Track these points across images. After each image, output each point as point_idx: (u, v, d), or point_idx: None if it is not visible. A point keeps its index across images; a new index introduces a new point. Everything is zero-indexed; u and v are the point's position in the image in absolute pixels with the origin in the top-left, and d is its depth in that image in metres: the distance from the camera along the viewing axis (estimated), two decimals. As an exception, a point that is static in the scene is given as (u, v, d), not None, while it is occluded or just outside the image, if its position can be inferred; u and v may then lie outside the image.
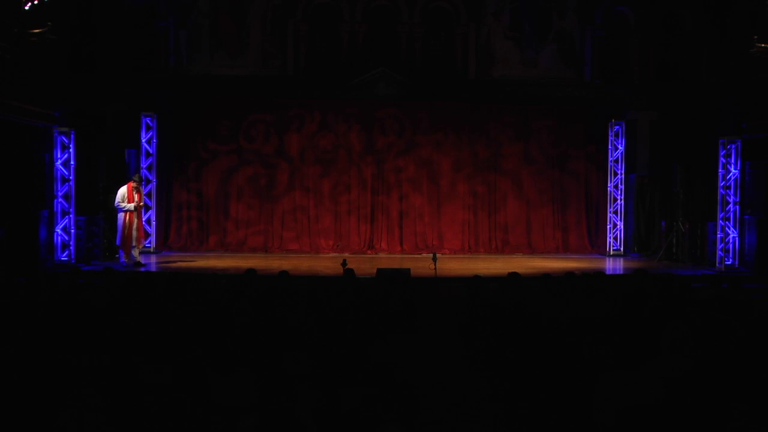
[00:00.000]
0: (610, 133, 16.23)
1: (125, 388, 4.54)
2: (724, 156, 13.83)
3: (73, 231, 13.62)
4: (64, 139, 13.51)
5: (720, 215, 13.82)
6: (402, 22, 16.22)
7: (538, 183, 16.53)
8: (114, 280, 8.52)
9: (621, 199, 16.16)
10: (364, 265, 13.09)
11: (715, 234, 13.89)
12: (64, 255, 13.51)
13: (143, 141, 15.69)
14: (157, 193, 15.95)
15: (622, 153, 16.14)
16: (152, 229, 15.66)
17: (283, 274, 8.69)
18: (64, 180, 13.56)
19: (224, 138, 16.20)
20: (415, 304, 6.92)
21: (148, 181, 15.53)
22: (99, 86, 14.84)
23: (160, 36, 15.88)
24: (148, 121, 15.73)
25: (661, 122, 16.15)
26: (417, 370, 4.79)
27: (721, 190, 13.82)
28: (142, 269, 13.01)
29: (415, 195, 16.44)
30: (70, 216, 13.59)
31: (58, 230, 13.49)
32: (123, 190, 13.19)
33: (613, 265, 14.88)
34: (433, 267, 11.72)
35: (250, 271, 8.72)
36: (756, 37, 11.91)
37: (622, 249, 16.03)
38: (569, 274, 8.83)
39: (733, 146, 13.76)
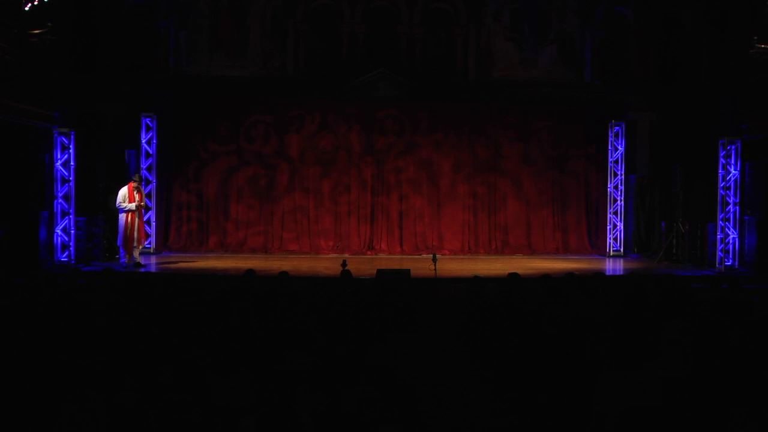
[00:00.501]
0: (610, 134, 16.23)
1: (125, 388, 4.53)
2: (724, 157, 13.83)
3: (72, 232, 13.62)
4: (64, 139, 13.51)
5: (720, 216, 13.82)
6: (402, 22, 16.23)
7: (538, 184, 16.54)
8: (114, 281, 8.52)
9: (621, 200, 16.16)
10: (364, 265, 13.10)
11: (715, 235, 13.89)
12: (64, 256, 13.51)
13: (143, 141, 15.69)
14: (157, 194, 15.94)
15: (622, 154, 16.15)
16: (152, 230, 15.65)
17: (283, 274, 8.69)
18: (64, 181, 13.56)
19: (224, 139, 16.20)
20: (414, 304, 6.91)
21: (147, 182, 15.52)
22: (99, 87, 14.85)
23: (160, 37, 15.88)
24: (148, 122, 15.73)
25: (660, 123, 16.15)
26: (416, 371, 4.78)
27: (721, 191, 13.83)
28: (142, 270, 13.00)
29: (415, 196, 16.44)
30: (70, 217, 13.60)
31: (58, 231, 13.49)
32: (124, 191, 13.19)
33: (613, 266, 14.87)
34: (433, 268, 11.73)
35: (250, 272, 8.73)
36: (756, 37, 11.90)
37: (622, 250, 16.03)
38: (569, 275, 8.83)
39: (733, 147, 13.76)
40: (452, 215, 16.45)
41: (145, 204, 14.23)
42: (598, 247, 16.47)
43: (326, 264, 14.00)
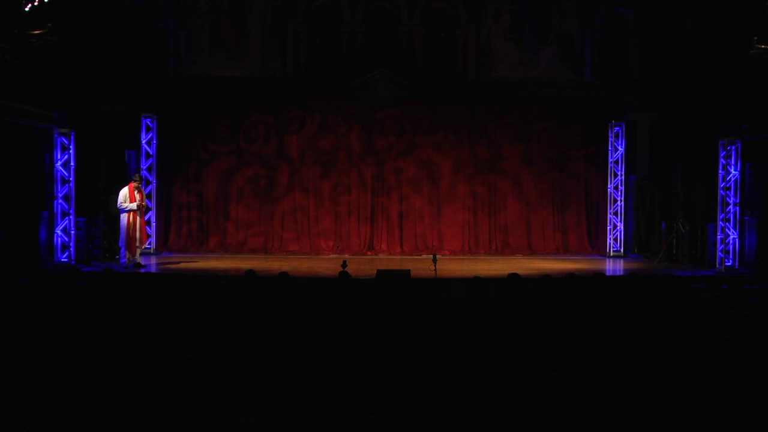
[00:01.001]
0: (610, 134, 16.23)
1: (125, 388, 4.53)
2: (724, 157, 13.83)
3: (73, 232, 13.63)
4: (64, 140, 13.51)
5: (720, 216, 13.83)
6: (402, 23, 16.24)
7: (538, 184, 16.53)
8: (114, 281, 8.51)
9: (621, 200, 16.16)
10: (364, 266, 13.11)
11: (715, 235, 13.90)
12: (64, 256, 13.52)
13: (143, 142, 15.69)
14: (157, 194, 15.95)
15: (622, 154, 16.15)
16: (152, 231, 15.65)
17: (283, 275, 8.68)
18: (64, 181, 13.57)
19: (224, 139, 16.20)
20: (415, 305, 6.90)
21: (148, 182, 15.53)
22: (99, 87, 14.84)
23: (160, 37, 15.90)
24: (148, 122, 15.73)
25: (661, 123, 16.15)
26: (417, 372, 4.78)
27: (721, 191, 13.83)
28: (142, 270, 13.00)
29: (415, 196, 16.44)
30: (70, 217, 13.60)
31: (58, 231, 13.49)
32: (125, 191, 13.19)
33: (613, 266, 14.87)
34: (433, 268, 11.73)
35: (250, 272, 8.72)
36: (756, 37, 11.89)
37: (622, 250, 16.03)
38: (569, 276, 8.83)
39: (733, 147, 13.76)
40: (452, 216, 16.45)
41: (146, 204, 14.23)
42: (598, 248, 16.47)
43: (326, 264, 14.00)
